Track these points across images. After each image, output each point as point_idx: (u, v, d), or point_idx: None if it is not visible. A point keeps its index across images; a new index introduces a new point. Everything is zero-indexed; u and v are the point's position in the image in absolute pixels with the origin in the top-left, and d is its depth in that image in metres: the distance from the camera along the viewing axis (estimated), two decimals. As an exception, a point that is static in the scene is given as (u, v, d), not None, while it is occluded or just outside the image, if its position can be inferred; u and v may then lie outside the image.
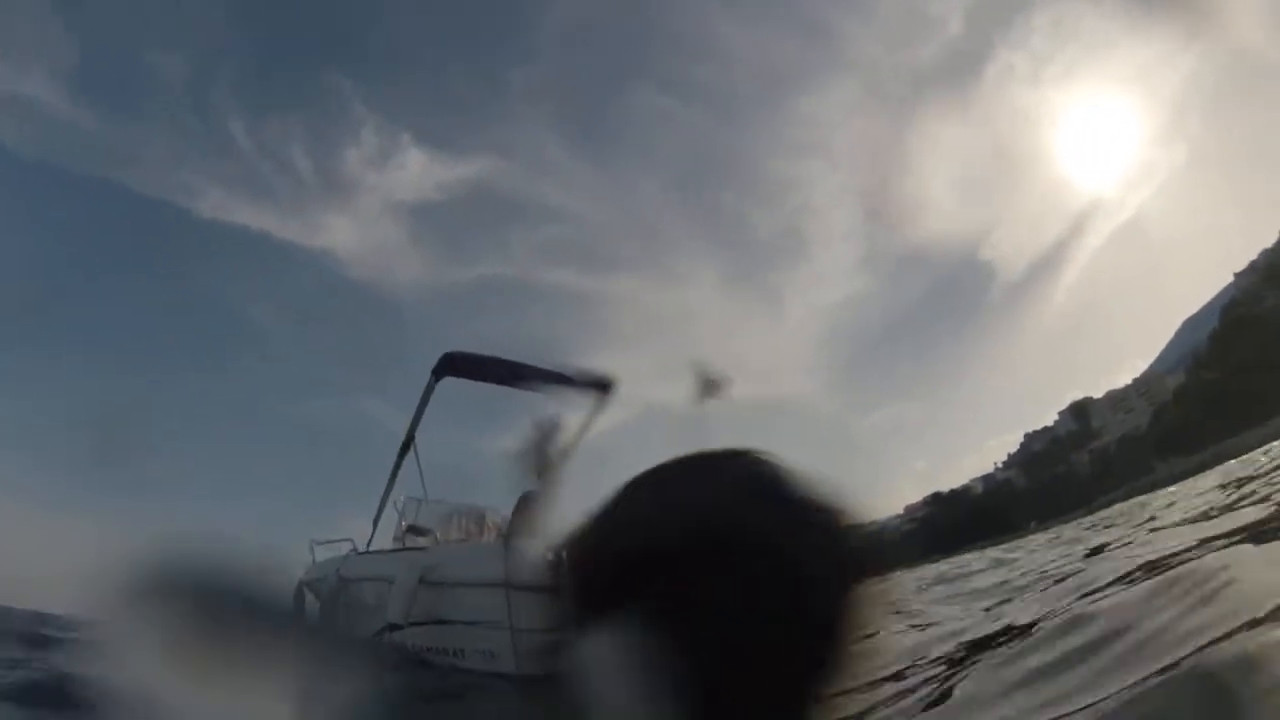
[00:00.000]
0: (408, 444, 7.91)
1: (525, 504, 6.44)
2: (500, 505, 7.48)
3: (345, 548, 8.47)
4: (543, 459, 6.29)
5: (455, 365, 7.58)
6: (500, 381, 7.86)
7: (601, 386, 8.40)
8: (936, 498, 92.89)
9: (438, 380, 7.54)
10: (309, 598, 8.44)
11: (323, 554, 8.83)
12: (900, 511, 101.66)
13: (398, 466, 8.10)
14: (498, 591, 5.68)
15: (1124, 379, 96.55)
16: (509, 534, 6.88)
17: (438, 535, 8.28)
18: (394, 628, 6.34)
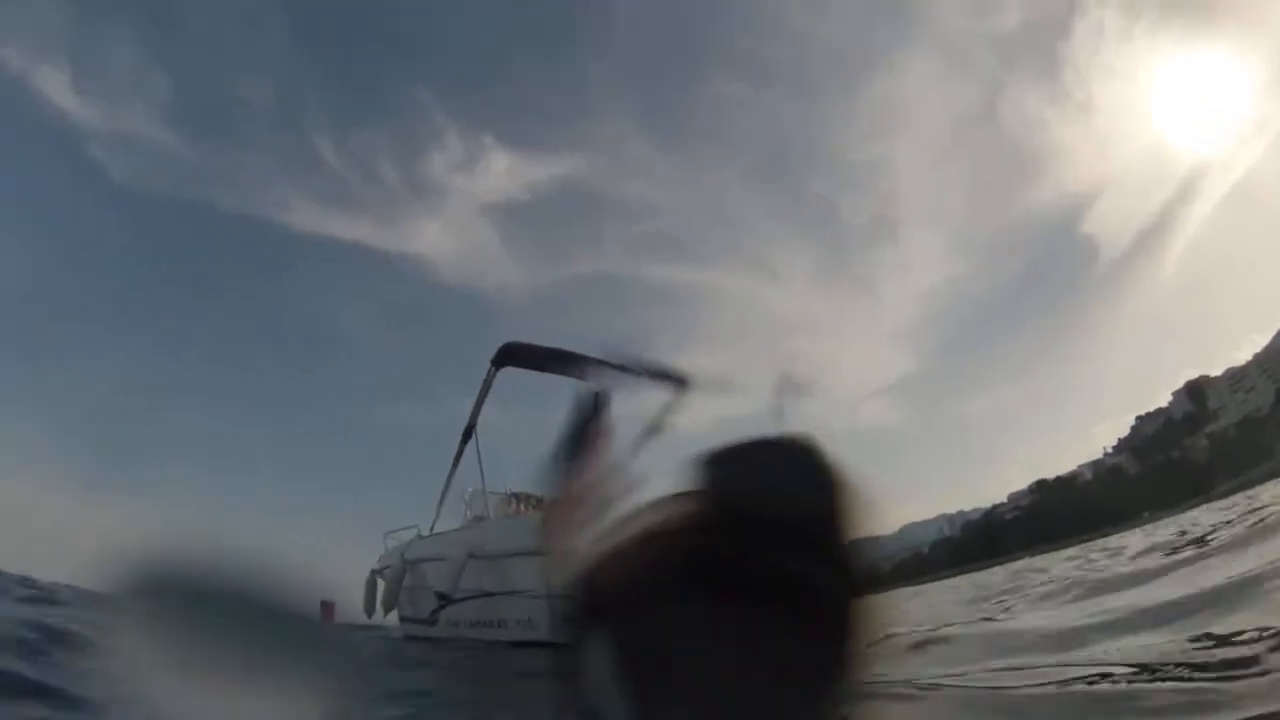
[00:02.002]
0: (469, 432, 7.97)
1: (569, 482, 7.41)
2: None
3: (412, 534, 8.87)
4: (588, 436, 7.14)
5: (514, 355, 7.63)
6: (557, 371, 7.81)
7: (677, 381, 8.27)
8: (1041, 485, 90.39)
9: (497, 370, 7.62)
10: (379, 584, 8.95)
11: (393, 543, 9.19)
12: (1004, 500, 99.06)
13: (460, 453, 8.17)
14: (534, 560, 5.78)
15: (1244, 355, 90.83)
16: (547, 504, 7.74)
17: (493, 514, 8.46)
18: (445, 599, 6.73)
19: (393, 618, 8.47)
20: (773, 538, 0.73)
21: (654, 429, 8.20)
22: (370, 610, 8.84)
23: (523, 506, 8.83)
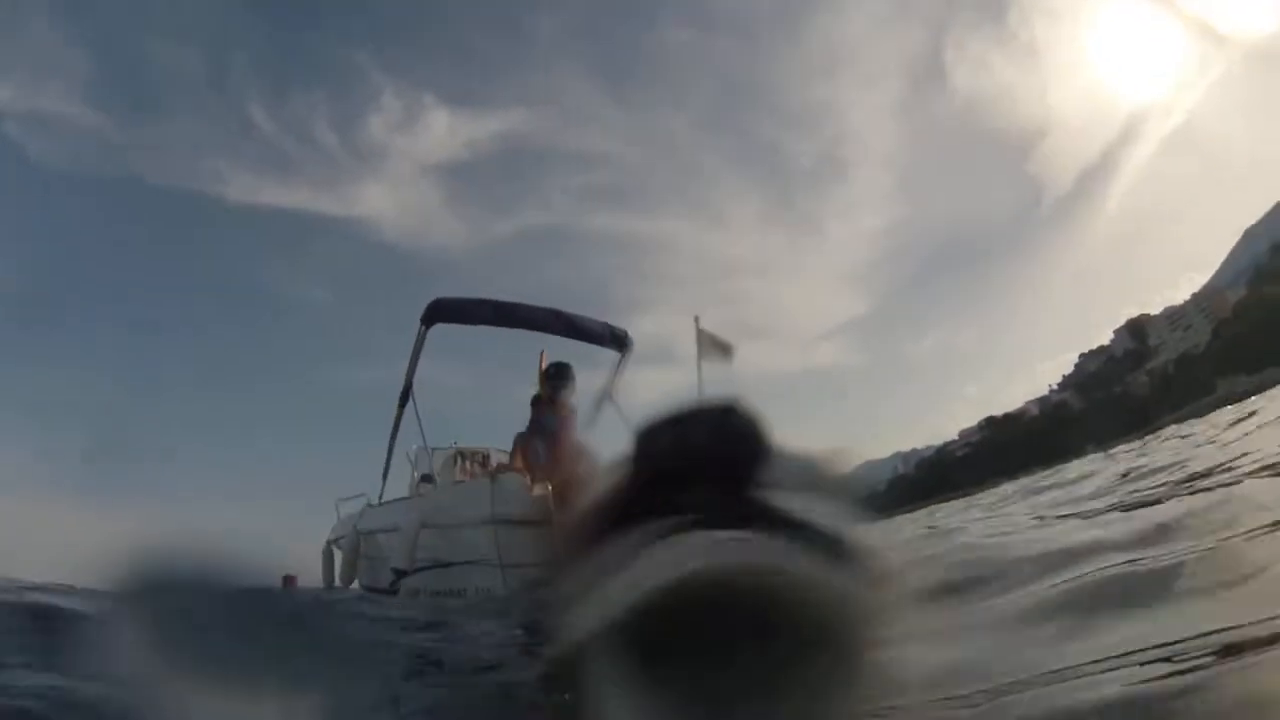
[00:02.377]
0: (405, 395, 7.78)
1: (520, 443, 6.54)
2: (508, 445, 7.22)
3: (362, 502, 8.71)
4: (549, 402, 6.39)
5: (443, 311, 7.44)
6: (491, 324, 7.68)
7: (616, 341, 8.17)
8: (991, 421, 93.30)
9: (428, 328, 7.42)
10: (336, 554, 8.87)
11: (345, 511, 9.08)
12: (955, 437, 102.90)
13: (399, 419, 8.00)
14: (487, 529, 5.80)
15: (1182, 294, 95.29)
16: (496, 470, 7.00)
17: (438, 479, 8.31)
18: (401, 574, 6.72)
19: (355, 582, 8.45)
20: (685, 486, 0.83)
21: (603, 397, 8.14)
22: (330, 583, 8.82)
23: (469, 464, 8.86)
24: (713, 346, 7.15)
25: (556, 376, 6.33)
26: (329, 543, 9.18)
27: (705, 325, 7.02)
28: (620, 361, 8.27)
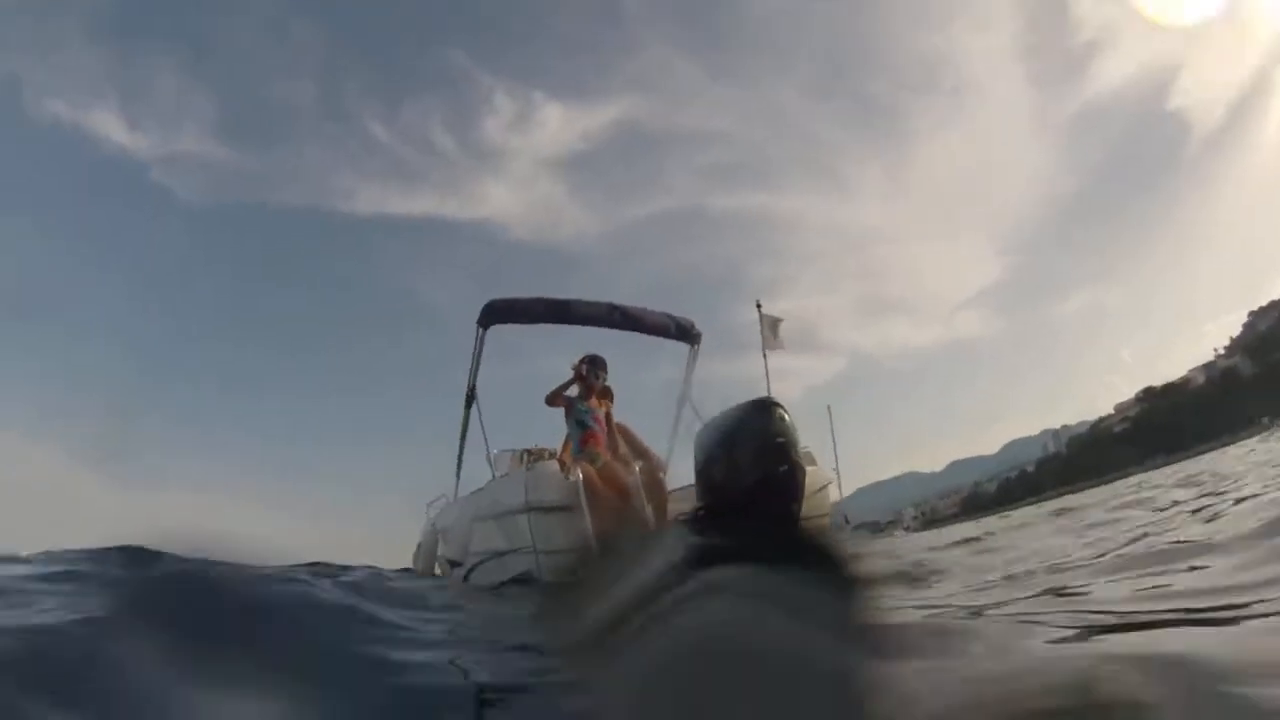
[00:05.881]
0: (469, 398, 7.85)
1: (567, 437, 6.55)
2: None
3: (443, 502, 9.08)
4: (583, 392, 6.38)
5: (498, 313, 7.48)
6: (547, 321, 7.66)
7: (682, 333, 7.91)
8: (1149, 393, 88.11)
9: (484, 330, 7.47)
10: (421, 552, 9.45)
11: (433, 512, 9.43)
12: (1110, 411, 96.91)
13: (466, 421, 8.12)
14: (524, 516, 5.90)
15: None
16: (532, 461, 7.13)
17: (495, 474, 8.46)
18: (455, 565, 6.92)
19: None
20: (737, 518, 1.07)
21: (681, 400, 7.99)
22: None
23: (528, 456, 9.08)
24: (770, 330, 7.50)
25: (591, 367, 6.38)
26: (419, 544, 9.49)
27: (779, 310, 7.27)
28: (691, 355, 8.00)
